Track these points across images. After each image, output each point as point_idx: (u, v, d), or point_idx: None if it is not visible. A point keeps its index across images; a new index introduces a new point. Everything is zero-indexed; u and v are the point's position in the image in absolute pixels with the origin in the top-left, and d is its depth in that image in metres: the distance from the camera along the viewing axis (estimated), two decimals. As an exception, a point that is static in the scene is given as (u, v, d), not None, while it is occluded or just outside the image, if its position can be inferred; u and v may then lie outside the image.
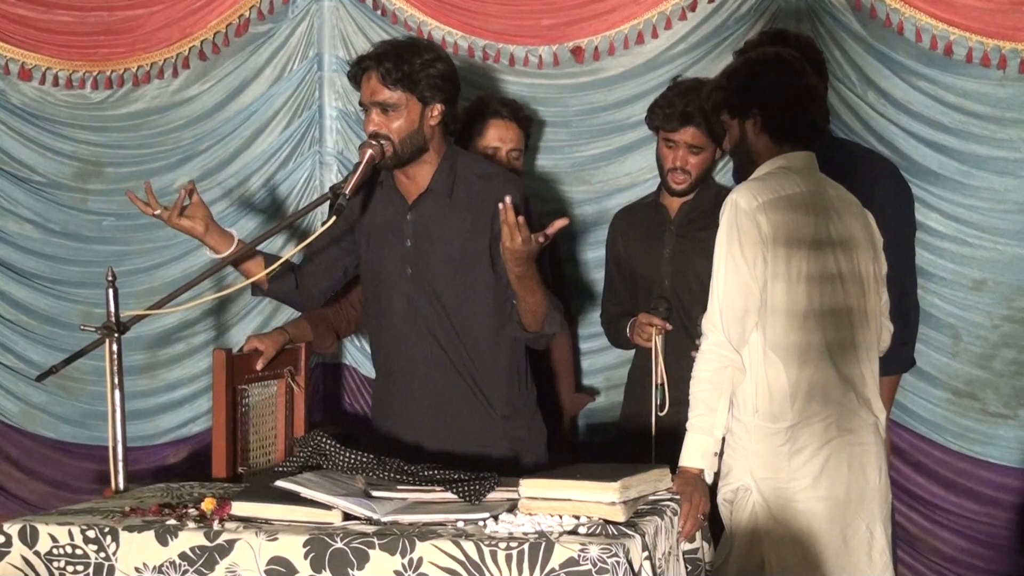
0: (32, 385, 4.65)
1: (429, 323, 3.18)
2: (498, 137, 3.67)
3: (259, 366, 3.36)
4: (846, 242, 2.95)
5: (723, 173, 4.02)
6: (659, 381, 3.48)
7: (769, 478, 2.87)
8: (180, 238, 4.47)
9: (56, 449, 4.68)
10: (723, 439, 2.89)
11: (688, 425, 2.85)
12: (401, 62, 3.06)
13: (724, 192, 3.72)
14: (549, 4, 4.16)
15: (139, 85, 4.47)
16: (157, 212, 3.13)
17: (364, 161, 3.03)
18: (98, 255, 4.54)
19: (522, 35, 4.19)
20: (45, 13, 4.49)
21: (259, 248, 3.25)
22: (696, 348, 3.01)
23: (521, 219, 2.85)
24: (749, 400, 2.88)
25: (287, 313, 4.28)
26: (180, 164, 4.48)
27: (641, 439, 3.52)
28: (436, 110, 3.11)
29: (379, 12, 4.27)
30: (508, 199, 2.83)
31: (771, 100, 2.96)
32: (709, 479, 2.83)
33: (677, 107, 3.56)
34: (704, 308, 3.49)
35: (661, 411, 3.47)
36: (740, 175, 3.09)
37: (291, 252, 3.05)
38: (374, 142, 3.06)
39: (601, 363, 4.18)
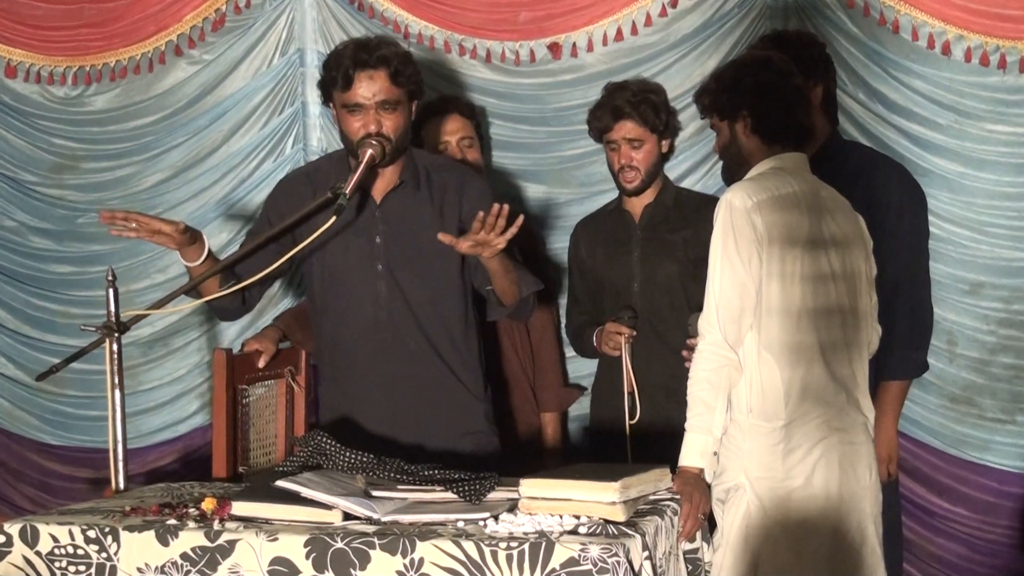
0: (15, 386, 4.66)
1: (402, 317, 3.19)
2: (447, 131, 3.72)
3: (261, 363, 3.36)
4: (839, 242, 2.96)
5: (711, 175, 4.03)
6: (629, 389, 3.49)
7: (763, 477, 2.88)
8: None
9: (40, 451, 4.68)
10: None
11: (687, 425, 2.86)
12: (404, 60, 3.11)
13: (683, 192, 3.76)
14: (526, -3, 4.14)
15: (115, 80, 4.46)
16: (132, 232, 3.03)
17: (364, 161, 3.04)
18: (78, 253, 4.55)
19: (498, 30, 4.16)
20: (31, 8, 4.49)
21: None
22: (688, 348, 3.02)
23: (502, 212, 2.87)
24: (743, 399, 2.89)
25: (270, 315, 4.28)
26: (157, 159, 4.47)
27: (612, 442, 3.53)
28: (414, 106, 3.19)
29: (356, 6, 4.26)
30: (506, 207, 2.86)
31: (760, 101, 2.97)
32: (709, 478, 2.84)
33: (606, 105, 3.60)
34: (674, 309, 3.55)
35: (632, 419, 3.49)
36: (730, 177, 3.09)
37: (286, 257, 3.03)
38: (374, 142, 3.07)
39: (589, 368, 4.16)
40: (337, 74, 3.11)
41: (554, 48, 4.13)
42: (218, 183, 4.42)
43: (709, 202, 3.73)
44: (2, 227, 4.64)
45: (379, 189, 3.21)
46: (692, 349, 2.95)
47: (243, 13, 4.36)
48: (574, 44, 4.11)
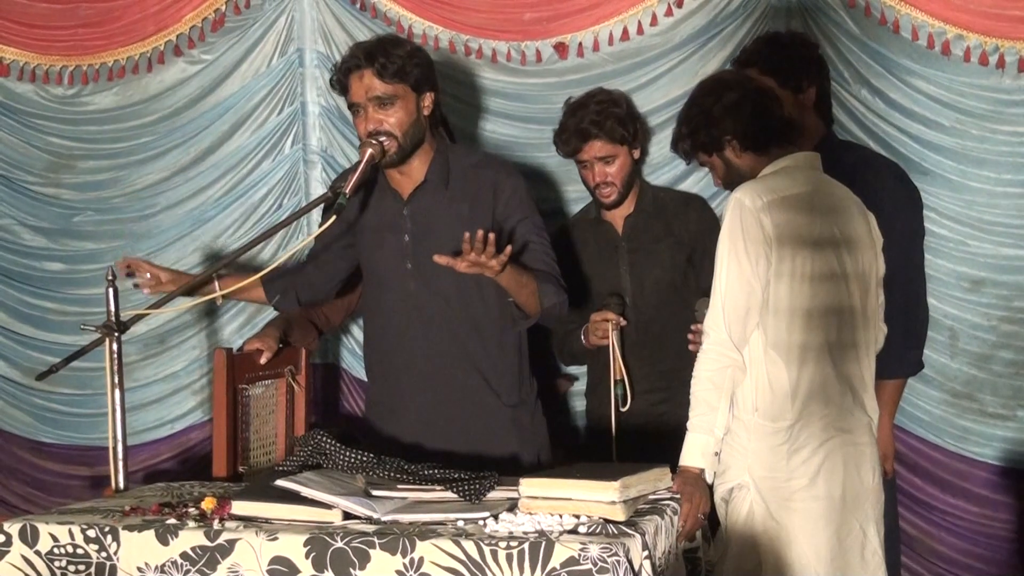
0: (8, 384, 4.65)
1: (432, 317, 3.19)
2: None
3: (263, 361, 3.36)
4: (850, 242, 2.95)
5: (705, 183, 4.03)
6: (618, 376, 3.48)
7: (767, 476, 2.87)
8: (151, 236, 4.46)
9: (33, 449, 4.67)
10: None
11: (689, 424, 2.85)
12: (392, 55, 3.10)
13: (660, 194, 3.75)
14: (532, -2, 4.13)
15: (113, 80, 4.45)
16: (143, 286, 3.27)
17: (364, 160, 3.05)
18: (72, 251, 4.54)
19: (504, 30, 4.14)
20: (29, 7, 4.48)
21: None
22: (693, 332, 3.01)
23: (487, 240, 2.85)
24: (748, 398, 2.88)
25: (267, 314, 4.28)
26: (154, 159, 4.45)
27: (604, 437, 3.53)
28: (428, 99, 3.18)
29: (358, 6, 4.25)
30: (491, 236, 2.85)
31: (737, 120, 2.97)
32: (709, 478, 2.84)
33: (570, 128, 3.57)
34: (663, 316, 3.56)
35: (623, 406, 3.48)
36: None
37: (288, 253, 3.06)
38: (373, 141, 3.07)
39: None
40: (337, 80, 3.16)
41: (560, 48, 4.12)
42: (217, 182, 4.41)
43: (688, 201, 3.75)
44: (-1, 226, 4.65)
45: (406, 186, 3.22)
46: (697, 333, 2.95)
47: (243, 13, 4.35)
48: (580, 44, 4.11)
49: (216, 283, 3.26)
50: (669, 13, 4.04)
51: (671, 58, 4.06)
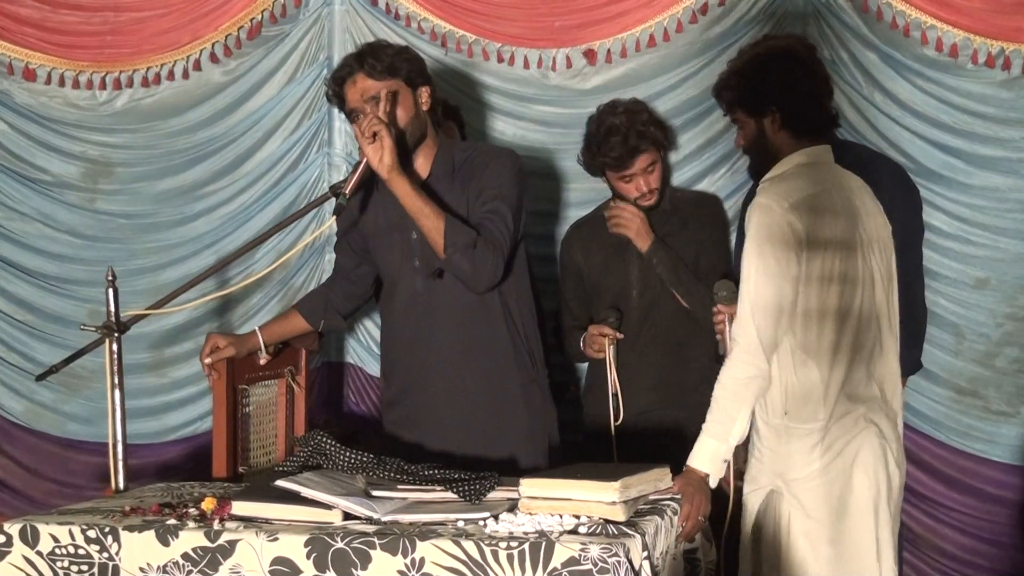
0: (37, 383, 4.66)
1: (441, 311, 3.19)
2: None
3: (263, 361, 3.34)
4: (875, 242, 2.91)
5: (735, 171, 4.05)
6: (613, 391, 3.50)
7: (799, 478, 2.84)
8: (187, 239, 4.48)
9: (62, 447, 4.68)
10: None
11: (704, 427, 2.82)
12: (380, 54, 3.12)
13: (677, 192, 3.76)
14: (561, 6, 4.17)
15: (148, 86, 4.46)
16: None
17: (364, 161, 3.04)
18: (104, 254, 4.53)
19: (534, 38, 4.20)
20: (51, 13, 4.49)
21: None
22: (718, 321, 3.02)
23: None
24: (778, 403, 2.84)
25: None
26: (191, 165, 4.48)
27: (603, 441, 3.54)
28: (425, 93, 3.18)
29: (391, 15, 4.27)
30: None
31: (788, 95, 2.91)
32: (714, 484, 2.80)
33: (618, 150, 3.53)
34: (672, 313, 3.56)
35: (616, 420, 3.49)
36: (756, 171, 3.04)
37: (290, 253, 3.06)
38: (375, 141, 3.07)
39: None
40: (334, 93, 3.18)
41: (589, 54, 4.16)
42: (250, 188, 4.44)
43: (702, 200, 3.76)
44: (26, 229, 4.63)
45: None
46: (720, 313, 2.96)
47: (278, 22, 4.38)
48: (608, 50, 4.14)
49: (259, 335, 3.33)
50: (694, 20, 4.09)
51: (695, 63, 4.11)
